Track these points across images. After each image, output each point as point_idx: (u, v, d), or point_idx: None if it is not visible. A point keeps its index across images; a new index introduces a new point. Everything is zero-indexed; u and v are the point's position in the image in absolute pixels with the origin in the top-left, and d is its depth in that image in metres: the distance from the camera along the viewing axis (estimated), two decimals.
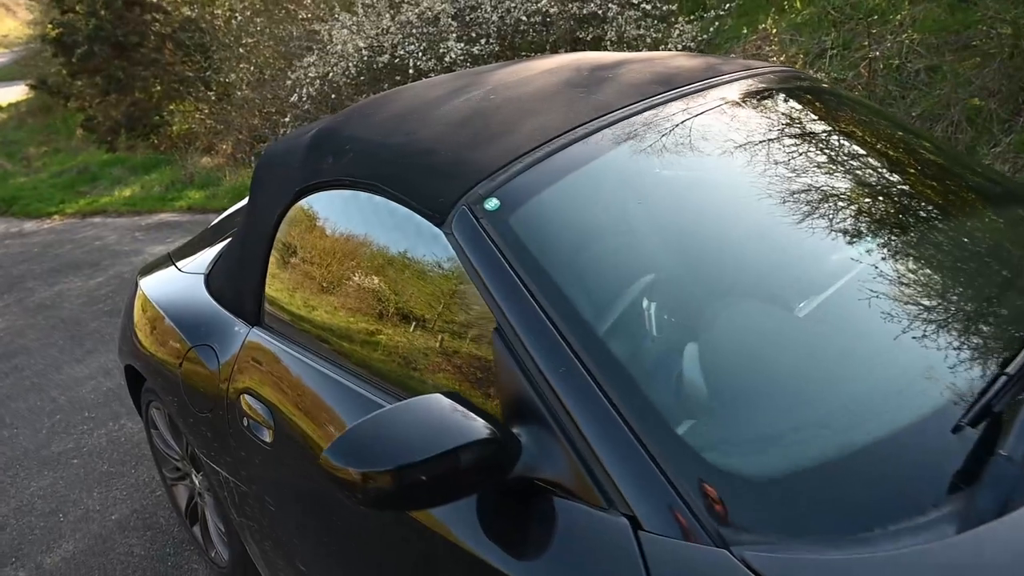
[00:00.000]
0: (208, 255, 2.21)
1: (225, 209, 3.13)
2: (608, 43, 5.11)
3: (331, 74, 6.00)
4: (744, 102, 1.52)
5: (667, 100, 1.44)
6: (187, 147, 8.71)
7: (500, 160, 1.26)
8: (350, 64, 5.87)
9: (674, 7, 5.27)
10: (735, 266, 1.21)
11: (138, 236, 6.57)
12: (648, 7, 5.06)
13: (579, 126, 1.33)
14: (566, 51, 5.36)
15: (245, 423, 1.64)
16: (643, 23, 5.17)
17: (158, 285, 2.23)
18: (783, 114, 1.54)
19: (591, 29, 5.29)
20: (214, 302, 1.89)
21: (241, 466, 1.71)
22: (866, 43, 4.63)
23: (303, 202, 1.59)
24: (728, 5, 5.12)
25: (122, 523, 2.68)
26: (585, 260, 1.16)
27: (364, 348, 1.40)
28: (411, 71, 5.59)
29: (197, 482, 2.20)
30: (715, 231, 1.24)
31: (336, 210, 1.51)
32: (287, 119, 6.79)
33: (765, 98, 1.57)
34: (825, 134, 1.53)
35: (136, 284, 2.36)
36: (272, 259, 1.67)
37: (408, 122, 1.49)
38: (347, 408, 1.38)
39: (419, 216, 1.27)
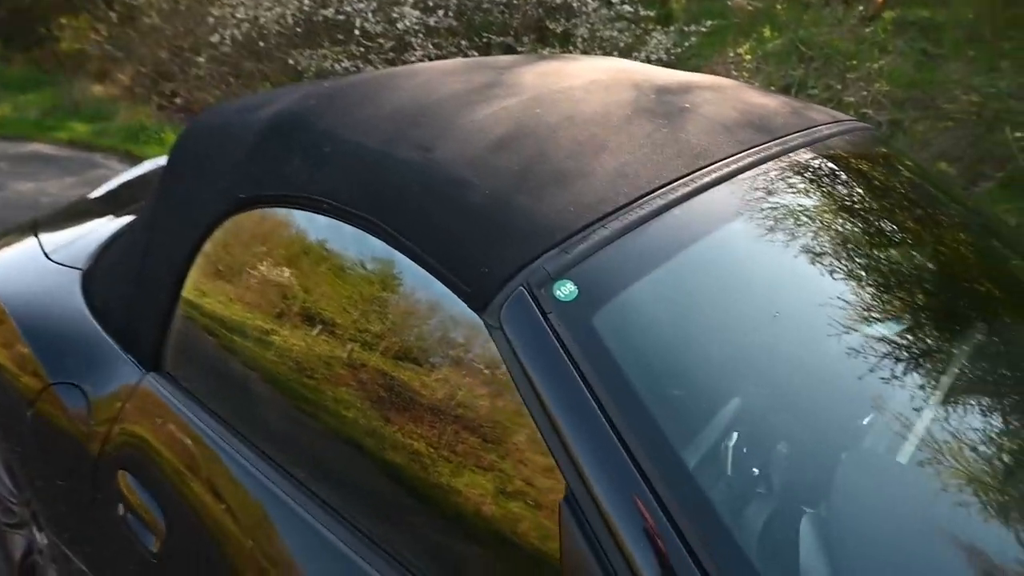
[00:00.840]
0: (89, 240, 1.64)
1: (113, 158, 2.48)
2: (579, 39, 4.73)
3: (263, 19, 5.27)
4: (856, 167, 1.18)
5: (773, 154, 1.08)
6: (76, 70, 7.58)
7: (574, 220, 0.85)
8: (288, 11, 5.16)
9: (651, 13, 4.96)
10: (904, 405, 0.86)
11: (2, 167, 5.58)
12: (628, 9, 4.72)
13: (677, 180, 0.94)
14: (534, 40, 4.94)
15: (121, 512, 1.15)
16: (615, 25, 4.83)
17: (14, 273, 1.64)
18: (897, 190, 1.21)
19: (561, 20, 4.89)
20: (93, 320, 1.36)
21: (108, 567, 1.21)
22: (838, 85, 4.52)
23: (248, 215, 1.11)
24: (708, 23, 4.87)
25: None
26: (712, 394, 0.77)
27: (332, 454, 0.95)
28: (356, 31, 4.97)
29: (39, 539, 1.65)
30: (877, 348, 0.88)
31: (302, 240, 1.04)
32: (202, 59, 5.96)
33: (874, 165, 1.24)
34: (936, 225, 1.22)
35: None
36: (190, 284, 1.17)
37: (421, 128, 1.04)
38: (294, 538, 0.93)
39: (444, 286, 0.84)
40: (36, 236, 1.76)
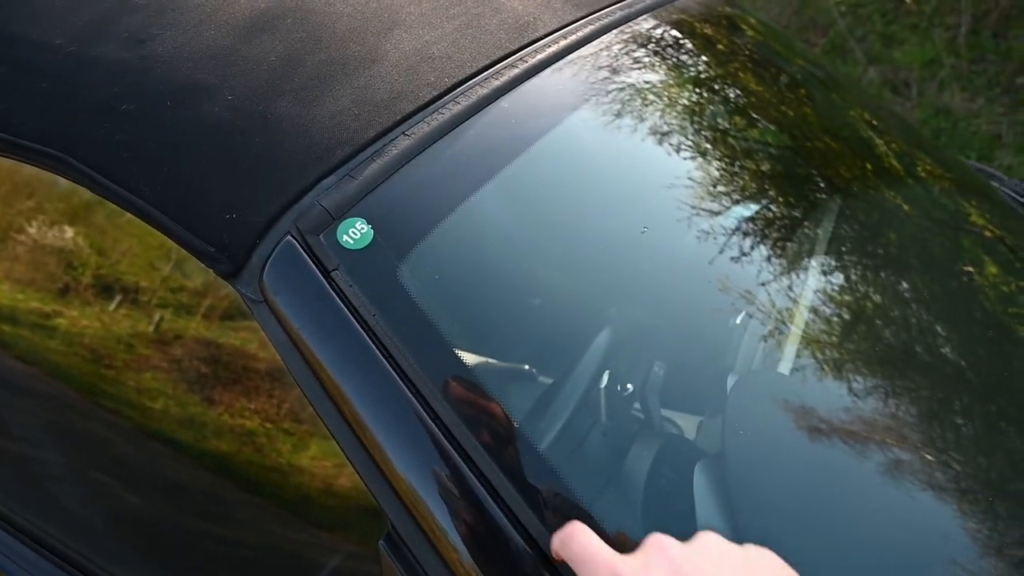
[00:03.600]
0: None
1: None
2: None
3: None
4: (712, 35, 0.99)
5: (617, 21, 0.86)
6: None
7: (361, 127, 0.60)
8: None
9: None
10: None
11: None
12: None
13: (501, 61, 0.70)
14: None
15: None
16: None
17: None
18: (765, 61, 1.05)
19: None
20: None
21: None
22: None
23: None
24: None
25: None
26: (569, 352, 0.57)
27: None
28: None
29: None
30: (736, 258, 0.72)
31: None
32: None
33: (731, 31, 1.06)
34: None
35: None
36: None
37: (136, 13, 0.71)
38: None
39: (177, 242, 0.57)
40: None
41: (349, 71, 0.65)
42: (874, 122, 1.07)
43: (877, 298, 0.84)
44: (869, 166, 1.00)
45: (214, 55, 0.66)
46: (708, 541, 0.39)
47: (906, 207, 0.96)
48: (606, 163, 0.70)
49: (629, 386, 0.63)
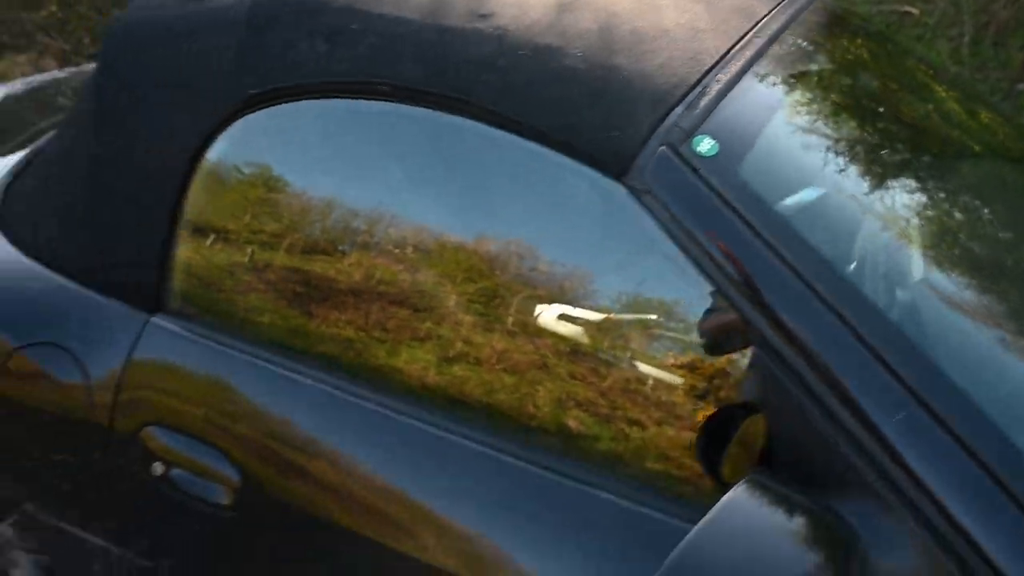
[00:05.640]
0: None
1: None
2: None
3: None
4: (853, 19, 1.24)
5: (802, 7, 1.10)
6: None
7: (686, 74, 0.82)
8: None
9: None
10: None
11: None
12: None
13: (748, 32, 0.94)
14: None
15: (160, 471, 1.01)
16: None
17: None
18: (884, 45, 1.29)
19: None
20: (40, 267, 1.14)
21: (146, 535, 1.08)
22: None
23: (266, 113, 0.95)
24: None
25: None
26: (862, 232, 0.81)
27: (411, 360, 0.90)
28: None
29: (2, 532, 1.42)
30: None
31: (355, 135, 0.92)
32: None
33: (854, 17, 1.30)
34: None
35: None
36: (194, 206, 1.01)
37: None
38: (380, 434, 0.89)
39: (567, 158, 0.79)
40: None
41: (651, 39, 0.88)
42: None
43: None
44: None
45: (545, 24, 0.88)
46: None
47: None
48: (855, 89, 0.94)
49: None
